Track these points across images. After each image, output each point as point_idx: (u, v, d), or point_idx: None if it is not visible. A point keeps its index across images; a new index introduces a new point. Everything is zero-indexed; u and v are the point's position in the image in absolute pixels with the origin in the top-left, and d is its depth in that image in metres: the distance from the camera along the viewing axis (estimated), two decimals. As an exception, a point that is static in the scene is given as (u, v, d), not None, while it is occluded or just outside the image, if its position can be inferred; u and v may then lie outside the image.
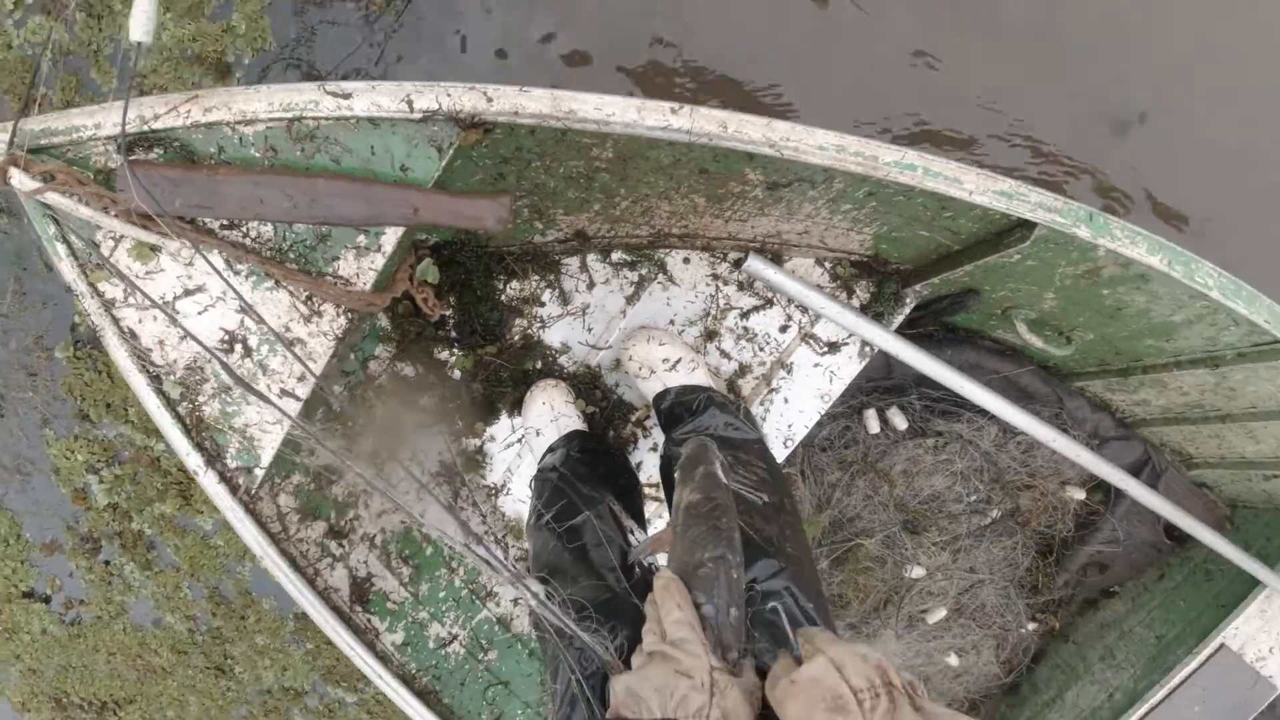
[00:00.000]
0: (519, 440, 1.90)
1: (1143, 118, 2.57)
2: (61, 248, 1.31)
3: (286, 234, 1.35)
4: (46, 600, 3.01)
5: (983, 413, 2.19)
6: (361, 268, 1.36)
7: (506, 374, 1.82)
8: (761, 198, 1.55)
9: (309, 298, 1.39)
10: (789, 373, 1.89)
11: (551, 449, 1.72)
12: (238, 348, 1.42)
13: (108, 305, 1.38)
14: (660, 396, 1.73)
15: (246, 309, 1.40)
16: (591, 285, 1.81)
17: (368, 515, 1.77)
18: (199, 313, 1.38)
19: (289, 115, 1.24)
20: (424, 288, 1.64)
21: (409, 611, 1.79)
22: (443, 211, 1.29)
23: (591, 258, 1.79)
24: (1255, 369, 1.79)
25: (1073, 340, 2.04)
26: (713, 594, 1.00)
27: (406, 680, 1.69)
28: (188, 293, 1.39)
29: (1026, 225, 1.47)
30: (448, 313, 1.78)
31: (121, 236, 1.33)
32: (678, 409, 1.66)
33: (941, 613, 2.32)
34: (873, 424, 2.16)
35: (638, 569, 1.47)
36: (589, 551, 1.48)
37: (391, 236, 1.34)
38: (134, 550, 2.88)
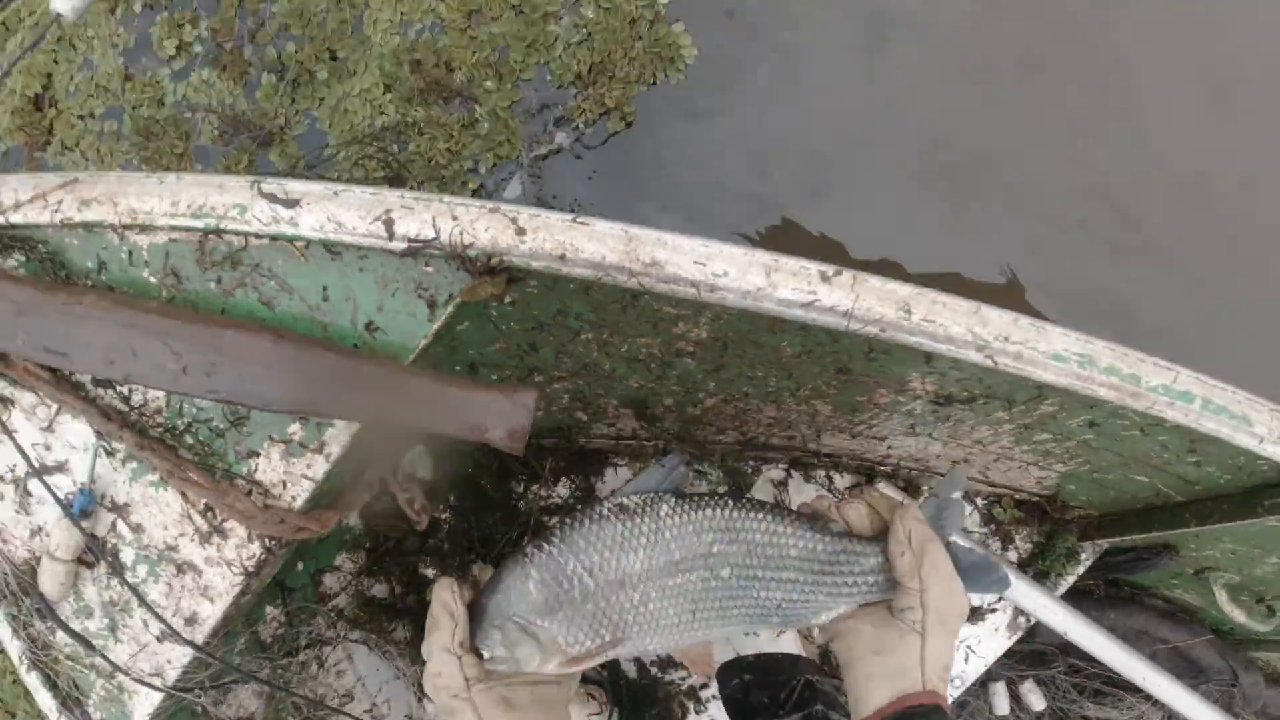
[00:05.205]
0: None
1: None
2: None
3: (184, 405, 0.85)
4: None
5: (1147, 696, 1.61)
6: (292, 473, 0.85)
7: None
8: (919, 414, 1.03)
9: (208, 507, 0.88)
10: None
11: None
12: (102, 565, 0.91)
13: None
14: (730, 667, 1.18)
15: (118, 510, 0.90)
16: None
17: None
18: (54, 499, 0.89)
19: (202, 225, 0.77)
20: (411, 484, 1.12)
21: None
22: (424, 408, 0.78)
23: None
24: None
25: (1276, 612, 1.55)
26: None
27: None
28: (44, 469, 0.89)
29: None
30: (443, 516, 1.26)
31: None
32: (761, 694, 1.13)
33: None
34: (1001, 703, 1.56)
35: None
36: None
37: (342, 432, 0.84)
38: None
